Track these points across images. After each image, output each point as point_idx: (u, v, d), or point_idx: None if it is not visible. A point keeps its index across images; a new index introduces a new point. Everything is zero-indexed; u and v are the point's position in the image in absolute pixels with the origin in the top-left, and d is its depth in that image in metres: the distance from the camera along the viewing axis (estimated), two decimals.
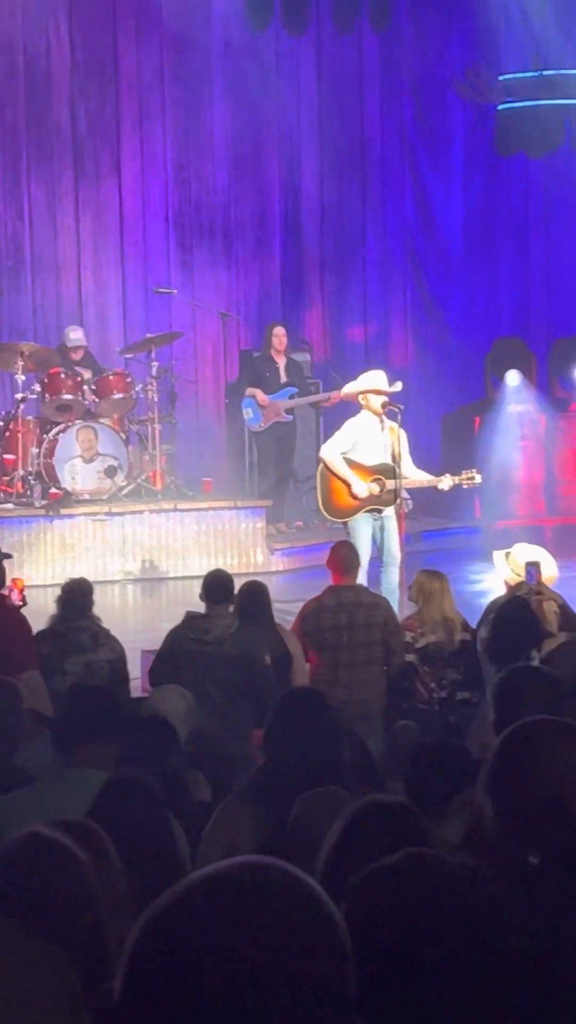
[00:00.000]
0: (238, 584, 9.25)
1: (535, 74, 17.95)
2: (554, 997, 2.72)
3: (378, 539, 12.07)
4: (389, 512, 12.10)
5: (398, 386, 12.44)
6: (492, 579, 11.27)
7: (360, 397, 12.28)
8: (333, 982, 1.89)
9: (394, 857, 2.47)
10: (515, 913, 2.61)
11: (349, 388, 12.59)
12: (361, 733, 6.15)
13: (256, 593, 9.11)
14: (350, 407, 12.75)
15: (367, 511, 12.15)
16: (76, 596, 8.82)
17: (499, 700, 5.66)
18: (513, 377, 18.24)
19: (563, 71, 17.86)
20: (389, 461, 12.05)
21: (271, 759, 5.33)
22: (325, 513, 12.53)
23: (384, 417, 12.21)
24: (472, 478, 12.32)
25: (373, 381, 12.38)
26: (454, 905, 2.36)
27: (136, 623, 13.09)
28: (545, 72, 17.93)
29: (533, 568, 9.12)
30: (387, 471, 12.06)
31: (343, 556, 9.62)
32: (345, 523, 12.27)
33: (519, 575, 9.48)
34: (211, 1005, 1.84)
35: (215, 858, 4.91)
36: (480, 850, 3.10)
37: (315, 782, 4.95)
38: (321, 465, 12.44)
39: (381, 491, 12.08)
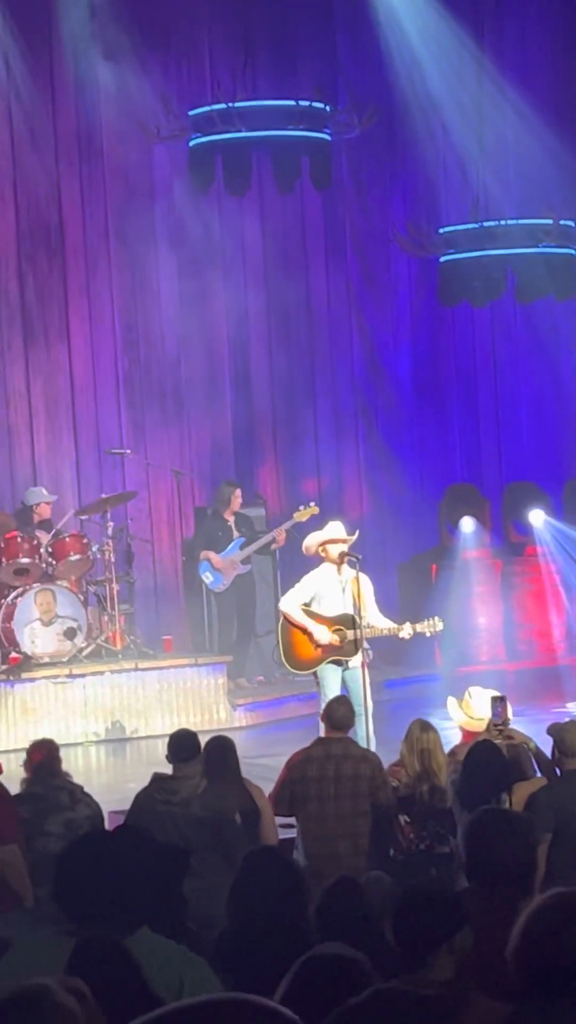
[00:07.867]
0: (203, 741, 9.21)
1: (475, 226, 18.21)
2: None
3: (347, 691, 12.01)
4: (355, 663, 12.07)
5: (354, 536, 12.47)
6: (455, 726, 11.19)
7: (319, 549, 12.31)
8: None
9: (361, 995, 2.43)
10: None
11: (308, 540, 12.60)
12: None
13: (223, 748, 9.07)
14: (309, 562, 12.76)
15: (330, 662, 12.12)
16: (44, 757, 8.80)
17: (468, 843, 5.65)
18: (468, 523, 18.31)
19: (502, 222, 18.11)
20: (350, 612, 12.05)
21: (235, 919, 5.26)
22: (288, 666, 12.48)
23: (344, 567, 12.24)
24: (434, 625, 12.33)
25: (330, 531, 12.43)
26: None
27: (102, 784, 12.93)
28: (485, 223, 18.18)
29: (499, 704, 9.08)
30: (347, 621, 12.06)
31: (336, 712, 9.57)
32: (313, 674, 12.22)
33: (474, 719, 9.48)
34: None
35: None
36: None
37: (280, 940, 4.88)
38: (282, 618, 12.42)
39: (342, 641, 12.06)
